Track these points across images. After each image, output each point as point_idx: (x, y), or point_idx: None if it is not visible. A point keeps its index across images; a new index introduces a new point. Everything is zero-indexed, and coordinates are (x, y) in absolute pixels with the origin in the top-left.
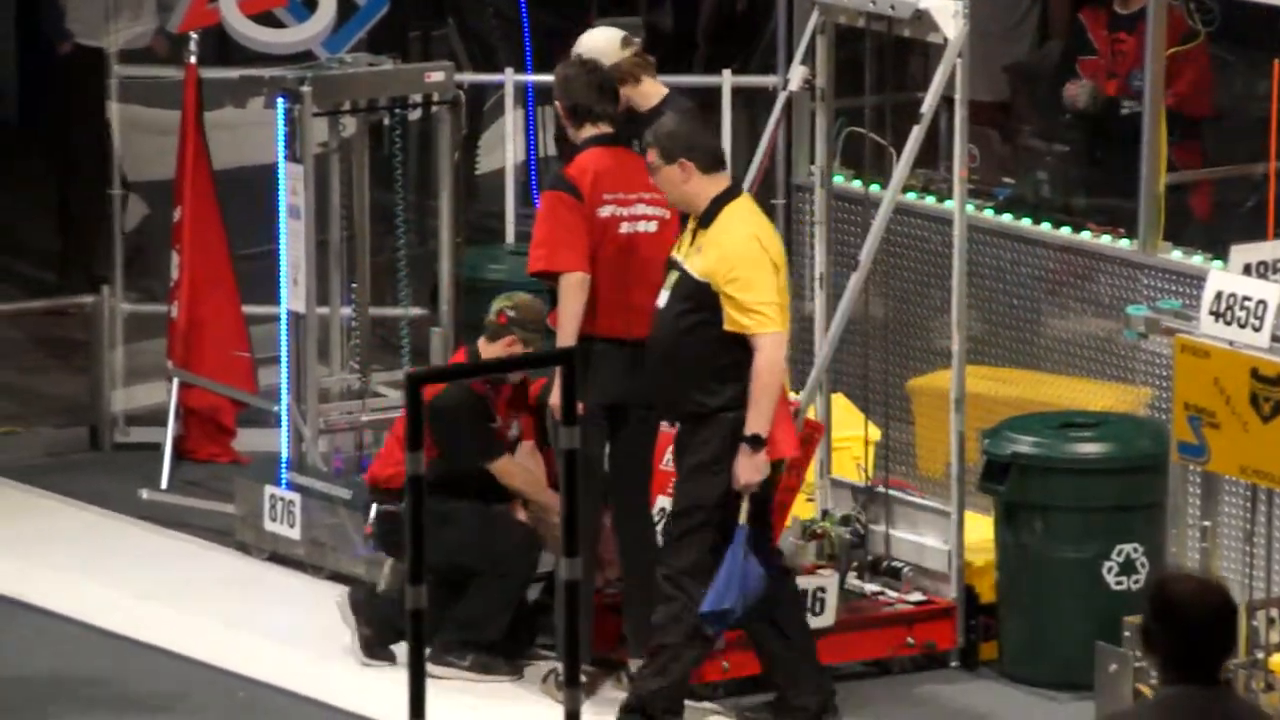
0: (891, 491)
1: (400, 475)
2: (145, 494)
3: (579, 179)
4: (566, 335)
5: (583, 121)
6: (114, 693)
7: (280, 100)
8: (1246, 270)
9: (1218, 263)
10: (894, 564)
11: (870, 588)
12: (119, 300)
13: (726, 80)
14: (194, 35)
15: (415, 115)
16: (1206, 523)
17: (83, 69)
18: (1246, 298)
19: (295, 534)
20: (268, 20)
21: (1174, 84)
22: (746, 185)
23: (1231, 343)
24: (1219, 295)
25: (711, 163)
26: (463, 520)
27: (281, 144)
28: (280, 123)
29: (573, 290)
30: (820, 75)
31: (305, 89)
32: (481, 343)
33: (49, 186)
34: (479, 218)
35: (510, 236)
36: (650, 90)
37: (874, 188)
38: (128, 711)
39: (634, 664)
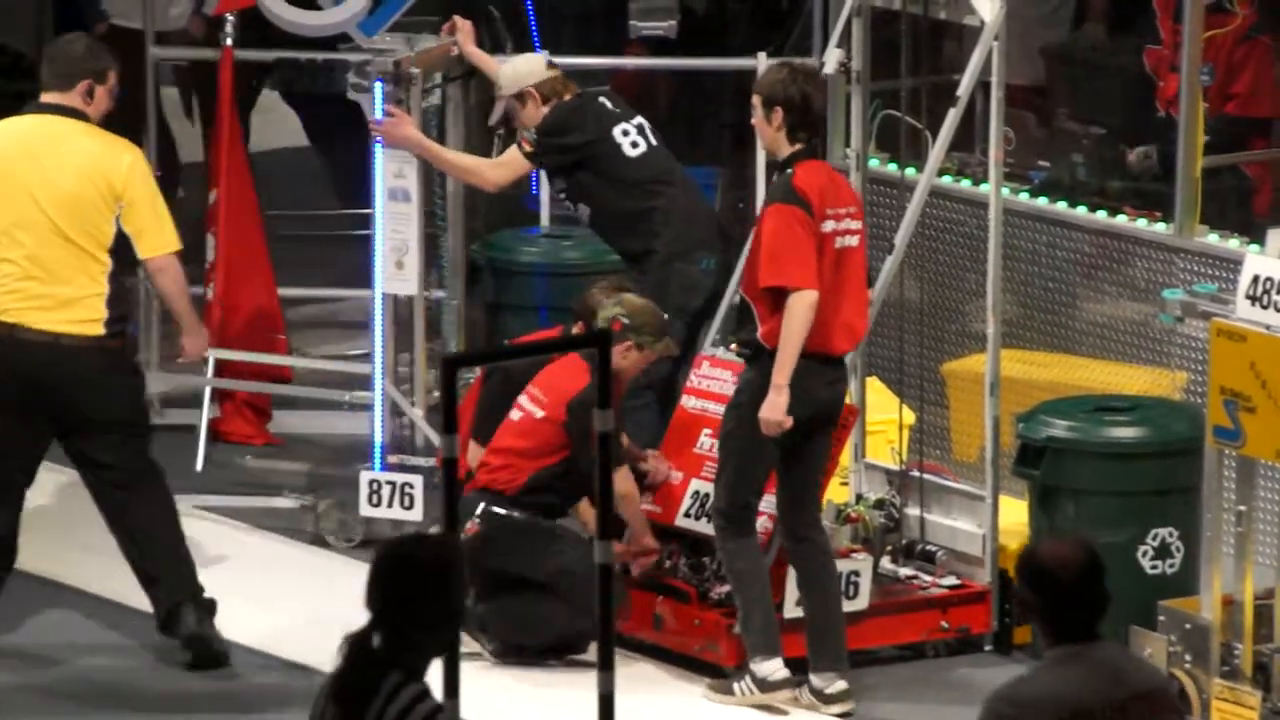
0: (926, 475)
1: (508, 471)
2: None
3: (808, 193)
4: (789, 355)
5: (801, 136)
6: (155, 673)
7: (378, 84)
8: None
9: (1254, 247)
10: (928, 548)
11: (904, 571)
12: None
13: (762, 63)
14: (230, 17)
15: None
16: (1242, 507)
17: (119, 50)
18: None
19: (416, 515)
20: (303, 3)
21: (1234, 85)
22: None
23: (1268, 327)
24: (1255, 279)
25: None
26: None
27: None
28: (378, 107)
29: (804, 308)
30: (856, 58)
31: (415, 70)
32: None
33: None
34: (514, 201)
35: (545, 219)
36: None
37: (909, 171)
38: (170, 694)
39: (755, 661)
